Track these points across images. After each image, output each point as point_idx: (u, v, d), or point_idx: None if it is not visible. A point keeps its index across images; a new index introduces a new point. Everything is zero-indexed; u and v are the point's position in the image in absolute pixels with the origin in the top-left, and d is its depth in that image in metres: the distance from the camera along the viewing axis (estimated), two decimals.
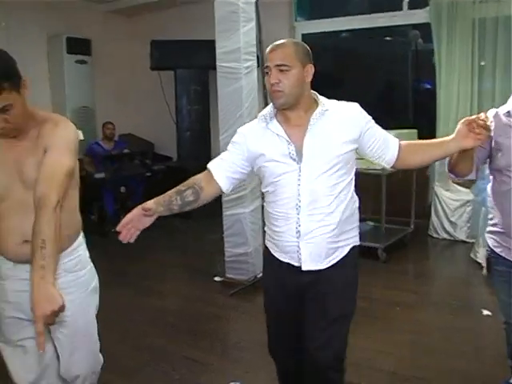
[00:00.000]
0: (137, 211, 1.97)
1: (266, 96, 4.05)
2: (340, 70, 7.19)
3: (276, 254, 2.10)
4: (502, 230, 2.27)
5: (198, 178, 2.10)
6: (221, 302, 4.11)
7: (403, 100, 6.85)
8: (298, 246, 1.99)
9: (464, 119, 1.93)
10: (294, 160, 1.96)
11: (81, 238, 2.12)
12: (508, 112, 2.20)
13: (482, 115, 1.91)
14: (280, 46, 1.95)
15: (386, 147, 2.07)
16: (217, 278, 4.53)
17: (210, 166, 2.12)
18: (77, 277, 2.08)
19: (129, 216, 1.97)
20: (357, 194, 2.11)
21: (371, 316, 3.59)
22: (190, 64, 6.66)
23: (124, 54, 7.30)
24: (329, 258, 2.02)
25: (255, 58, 4.16)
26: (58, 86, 7.01)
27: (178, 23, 6.99)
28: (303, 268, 2.01)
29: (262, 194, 2.19)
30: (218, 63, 4.14)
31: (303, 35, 6.72)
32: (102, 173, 6.30)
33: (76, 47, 7.02)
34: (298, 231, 1.98)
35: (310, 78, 1.99)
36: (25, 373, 2.08)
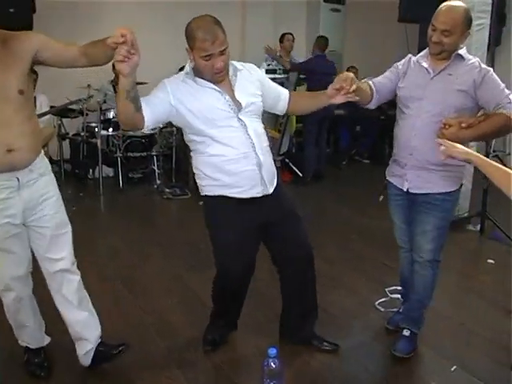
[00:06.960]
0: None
1: (494, 53, 4.35)
2: None
3: (236, 196, 2.39)
4: (395, 159, 2.62)
5: None
6: None
7: None
8: (261, 174, 2.38)
9: (332, 85, 2.32)
10: (232, 109, 2.31)
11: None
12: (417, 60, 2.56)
13: (352, 87, 2.26)
14: None
15: (279, 97, 2.55)
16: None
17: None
18: (50, 178, 2.35)
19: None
20: None
21: None
22: None
23: (375, 5, 7.82)
24: (273, 180, 2.48)
25: (488, 16, 4.36)
26: (312, 31, 7.96)
27: None
28: (269, 191, 2.42)
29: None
30: None
31: None
32: (342, 109, 6.78)
33: None
34: (259, 163, 2.36)
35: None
36: (14, 268, 2.32)
